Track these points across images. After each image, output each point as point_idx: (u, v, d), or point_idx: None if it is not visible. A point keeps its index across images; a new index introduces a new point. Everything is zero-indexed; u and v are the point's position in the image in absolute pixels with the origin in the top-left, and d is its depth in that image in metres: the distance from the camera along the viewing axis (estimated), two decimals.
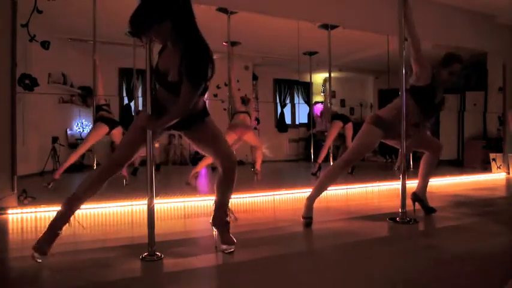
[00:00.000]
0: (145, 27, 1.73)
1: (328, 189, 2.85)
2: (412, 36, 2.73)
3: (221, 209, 2.10)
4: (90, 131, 4.41)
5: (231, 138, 4.57)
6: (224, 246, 2.05)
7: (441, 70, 2.81)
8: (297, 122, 8.60)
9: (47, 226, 1.86)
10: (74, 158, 4.20)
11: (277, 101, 8.43)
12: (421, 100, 2.79)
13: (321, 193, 2.79)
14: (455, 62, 2.79)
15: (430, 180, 3.10)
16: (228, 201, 2.12)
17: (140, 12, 1.70)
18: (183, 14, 1.78)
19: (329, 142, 5.38)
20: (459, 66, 2.80)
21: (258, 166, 4.85)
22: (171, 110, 1.87)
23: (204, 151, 2.14)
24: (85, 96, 5.66)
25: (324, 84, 6.20)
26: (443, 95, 2.92)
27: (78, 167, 6.11)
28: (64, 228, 1.87)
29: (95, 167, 4.33)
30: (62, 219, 1.87)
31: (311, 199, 2.74)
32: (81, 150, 4.26)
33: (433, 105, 2.83)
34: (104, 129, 4.25)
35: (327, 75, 5.54)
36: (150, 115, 1.93)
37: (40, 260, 1.81)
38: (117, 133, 4.33)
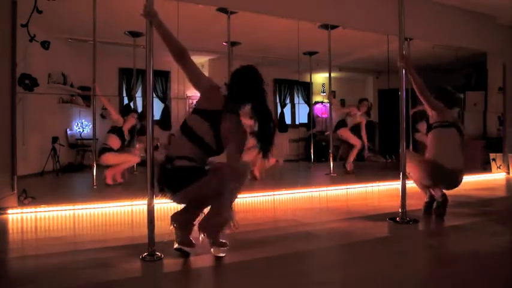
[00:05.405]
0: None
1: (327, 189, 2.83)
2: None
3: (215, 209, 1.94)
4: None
5: None
6: (214, 250, 1.95)
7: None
8: (297, 122, 8.59)
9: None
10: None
11: (277, 101, 8.43)
12: None
13: None
14: None
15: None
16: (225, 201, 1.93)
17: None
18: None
19: (355, 142, 5.64)
20: None
21: (256, 170, 4.80)
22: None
23: None
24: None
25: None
26: None
27: (78, 166, 6.12)
28: (64, 227, 1.86)
29: (94, 167, 4.27)
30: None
31: None
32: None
33: None
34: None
35: (327, 75, 5.54)
36: None
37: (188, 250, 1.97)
38: (106, 158, 4.35)
